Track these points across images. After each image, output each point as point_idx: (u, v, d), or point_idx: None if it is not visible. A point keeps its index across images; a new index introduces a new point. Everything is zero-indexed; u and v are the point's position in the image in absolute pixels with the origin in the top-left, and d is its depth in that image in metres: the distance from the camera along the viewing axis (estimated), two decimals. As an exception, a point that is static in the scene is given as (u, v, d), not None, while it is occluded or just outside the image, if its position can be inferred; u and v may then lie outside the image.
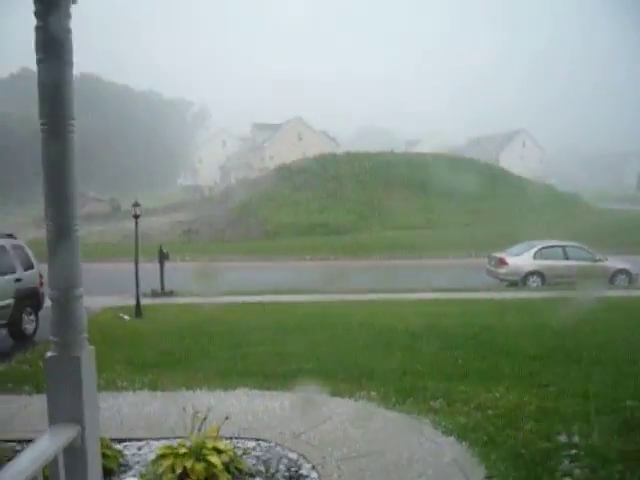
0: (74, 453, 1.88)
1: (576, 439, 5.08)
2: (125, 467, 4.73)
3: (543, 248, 17.92)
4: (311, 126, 67.83)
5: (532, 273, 17.49)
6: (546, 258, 17.68)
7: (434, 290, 15.44)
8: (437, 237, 30.06)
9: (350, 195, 38.98)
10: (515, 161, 66.61)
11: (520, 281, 17.49)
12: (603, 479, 4.33)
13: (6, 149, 53.17)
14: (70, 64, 2.12)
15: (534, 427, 5.34)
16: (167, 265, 15.79)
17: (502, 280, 17.91)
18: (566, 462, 4.63)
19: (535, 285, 17.31)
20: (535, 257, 17.67)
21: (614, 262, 18.19)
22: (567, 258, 17.73)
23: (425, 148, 61.53)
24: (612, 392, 6.34)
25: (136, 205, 12.77)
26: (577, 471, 4.48)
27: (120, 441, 5.10)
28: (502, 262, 17.74)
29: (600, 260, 17.85)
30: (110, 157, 68.27)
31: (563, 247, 18.03)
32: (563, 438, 5.11)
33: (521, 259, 17.72)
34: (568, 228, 24.88)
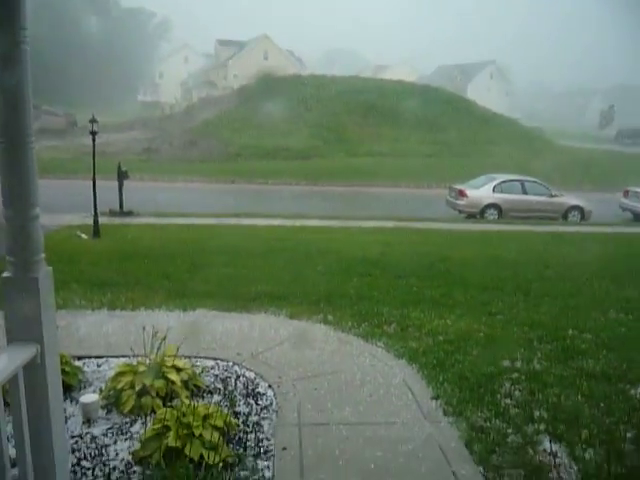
0: (34, 371, 1.90)
1: (518, 364, 5.40)
2: (85, 383, 4.81)
3: (502, 182, 18.25)
4: (277, 44, 65.48)
5: (490, 206, 17.86)
6: (505, 192, 18.04)
7: (394, 219, 15.65)
8: (400, 166, 30.14)
9: (315, 119, 38.35)
10: (482, 93, 66.31)
11: (478, 213, 17.87)
12: (540, 401, 4.63)
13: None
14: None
15: (481, 352, 5.64)
16: (126, 184, 15.44)
17: (461, 212, 18.26)
18: (507, 385, 4.94)
19: (492, 218, 17.73)
20: (494, 190, 18.00)
21: (569, 198, 18.71)
22: (525, 193, 18.14)
23: (394, 75, 60.41)
24: (555, 322, 6.70)
25: (93, 121, 12.27)
26: (517, 393, 4.79)
27: (79, 358, 5.16)
28: (462, 194, 18.02)
29: (556, 196, 18.33)
30: (66, 68, 64.70)
31: (522, 182, 18.40)
32: (506, 363, 5.42)
33: (480, 192, 18.02)
34: (528, 163, 25.25)
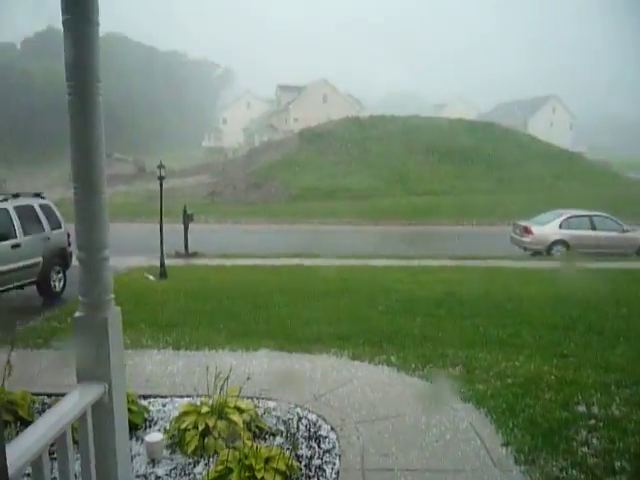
0: (102, 409, 1.94)
1: (595, 410, 5.08)
2: (150, 422, 4.88)
3: (569, 217, 17.63)
4: (336, 88, 66.89)
5: (557, 242, 17.25)
6: (572, 228, 17.40)
7: (457, 258, 15.36)
8: (461, 204, 29.76)
9: (374, 160, 38.64)
10: (544, 127, 65.13)
11: (545, 250, 17.29)
12: (621, 451, 4.32)
13: (33, 108, 53.54)
14: (96, 25, 2.10)
15: (553, 396, 5.35)
16: (191, 226, 15.94)
17: (526, 249, 17.72)
18: (584, 432, 4.64)
19: (560, 255, 17.09)
20: (561, 226, 17.40)
21: (643, 233, 17.84)
22: (594, 228, 17.44)
23: (453, 112, 60.32)
24: (633, 365, 6.29)
25: (160, 166, 12.84)
26: (594, 441, 4.49)
27: (145, 397, 5.25)
28: (527, 230, 17.53)
29: (628, 231, 17.53)
30: (135, 118, 68.39)
31: (590, 217, 17.71)
32: (582, 408, 5.12)
33: (546, 228, 17.47)
34: (595, 197, 24.38)
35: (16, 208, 10.06)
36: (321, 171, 37.18)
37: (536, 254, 17.38)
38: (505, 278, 12.68)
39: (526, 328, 7.86)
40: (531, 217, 18.39)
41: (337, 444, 4.47)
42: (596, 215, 17.77)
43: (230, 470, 3.60)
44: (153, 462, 4.19)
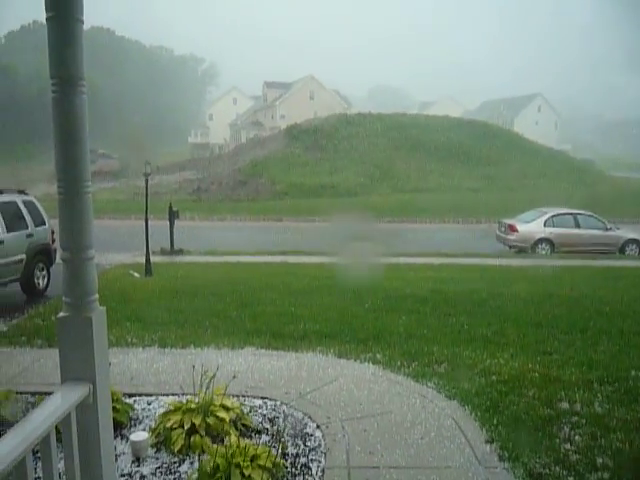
0: (86, 409, 1.93)
1: (578, 407, 5.14)
2: (135, 421, 4.85)
3: (554, 216, 17.81)
4: (323, 85, 66.79)
5: (542, 240, 17.43)
6: (557, 226, 17.60)
7: (442, 255, 15.45)
8: (448, 202, 29.91)
9: (361, 157, 38.69)
10: (530, 126, 65.56)
11: (529, 248, 17.46)
12: (603, 447, 4.38)
13: (16, 103, 52.83)
14: (80, 22, 2.08)
15: (537, 394, 5.41)
16: (177, 223, 15.86)
17: (511, 247, 17.89)
18: (567, 429, 4.70)
19: (544, 253, 17.27)
20: (546, 224, 17.59)
21: (625, 232, 18.10)
22: (578, 226, 17.65)
23: (439, 110, 60.53)
24: (616, 362, 6.38)
25: (147, 163, 12.77)
26: (577, 438, 4.55)
27: (130, 396, 5.22)
28: (512, 229, 17.69)
29: (611, 229, 17.77)
30: (120, 113, 67.70)
31: (574, 215, 17.92)
32: (565, 405, 5.18)
33: (531, 226, 17.65)
34: (579, 196, 24.64)
35: (-1, 204, 9.94)
36: (307, 168, 37.17)
37: (521, 252, 17.54)
38: (490, 276, 12.78)
39: (510, 326, 7.93)
40: (516, 215, 18.56)
41: (323, 442, 4.49)
42: (580, 213, 17.99)
43: (217, 468, 3.59)
44: (138, 461, 4.17)
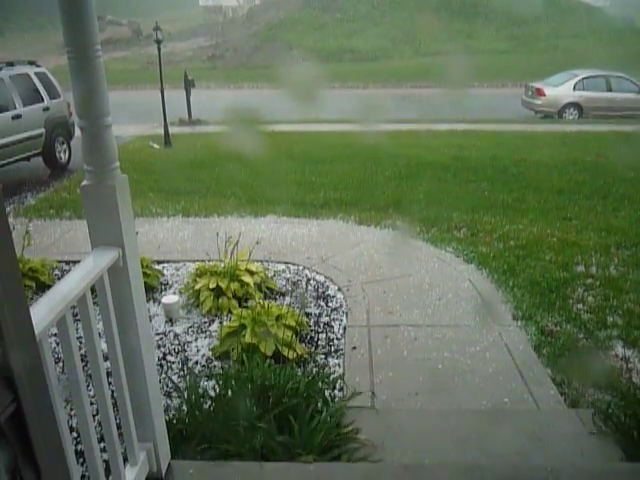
0: (117, 272, 2.01)
1: (593, 270, 5.25)
2: (165, 285, 5.11)
3: (584, 78, 16.89)
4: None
5: (570, 105, 16.72)
6: (587, 89, 16.76)
7: (466, 121, 15.02)
8: (473, 64, 28.48)
9: (382, 18, 36.44)
10: (566, -22, 60.28)
11: (557, 113, 16.82)
12: (614, 307, 4.53)
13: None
14: None
15: (553, 258, 5.52)
16: (193, 92, 15.49)
17: (537, 112, 17.24)
18: (580, 291, 4.84)
19: (572, 118, 16.65)
20: (575, 88, 16.75)
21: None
22: (610, 90, 16.79)
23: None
24: (636, 227, 6.40)
25: (157, 29, 12.20)
26: (590, 299, 4.70)
27: (159, 262, 5.46)
28: (539, 92, 16.94)
29: (646, 92, 16.90)
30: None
31: (606, 77, 16.97)
32: (580, 269, 5.29)
33: (559, 90, 16.85)
34: (616, 56, 23.21)
35: (12, 77, 9.72)
36: (325, 30, 35.29)
37: (547, 117, 16.94)
38: (514, 142, 12.49)
39: (531, 192, 7.89)
40: (544, 78, 17.68)
41: (344, 303, 4.71)
42: (613, 76, 17.01)
43: (244, 326, 3.82)
44: (171, 321, 4.45)
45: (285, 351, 3.68)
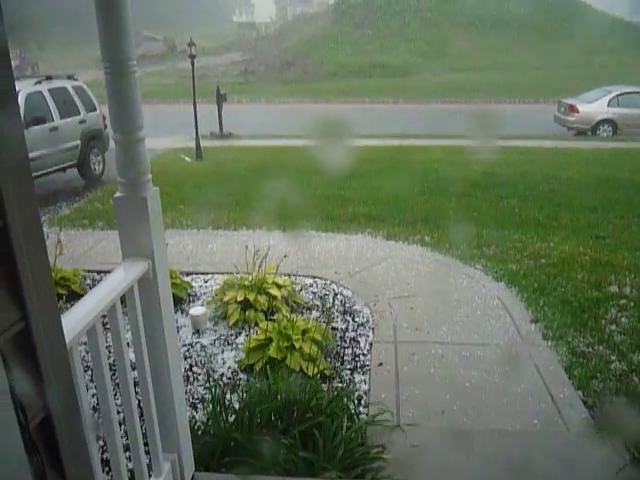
0: (147, 283, 2.04)
1: (627, 290, 5.12)
2: (193, 297, 5.16)
3: (619, 95, 16.61)
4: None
5: (604, 122, 16.44)
6: (622, 106, 16.46)
7: (497, 137, 14.88)
8: (505, 80, 28.32)
9: (413, 34, 36.55)
10: (601, -6, 59.60)
11: (590, 130, 16.56)
12: (649, 328, 4.41)
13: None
14: None
15: (585, 277, 5.40)
16: (225, 107, 15.73)
17: (570, 128, 17.00)
18: (614, 311, 4.72)
19: (606, 135, 16.37)
20: (609, 104, 16.48)
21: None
22: (646, 106, 16.48)
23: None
24: (672, 246, 6.23)
25: (191, 44, 12.46)
26: (623, 320, 4.58)
27: (188, 274, 5.51)
28: (573, 109, 16.71)
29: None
30: (163, -8, 65.18)
31: (642, 94, 16.67)
32: (614, 289, 5.16)
33: (594, 106, 16.59)
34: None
35: (50, 91, 10.04)
36: (357, 46, 35.53)
37: (581, 134, 16.69)
38: (545, 159, 12.34)
39: (564, 210, 7.76)
40: (578, 95, 17.45)
41: (371, 318, 4.68)
42: (649, 92, 16.70)
43: (270, 340, 3.83)
44: (198, 332, 4.48)
45: (310, 367, 3.67)
